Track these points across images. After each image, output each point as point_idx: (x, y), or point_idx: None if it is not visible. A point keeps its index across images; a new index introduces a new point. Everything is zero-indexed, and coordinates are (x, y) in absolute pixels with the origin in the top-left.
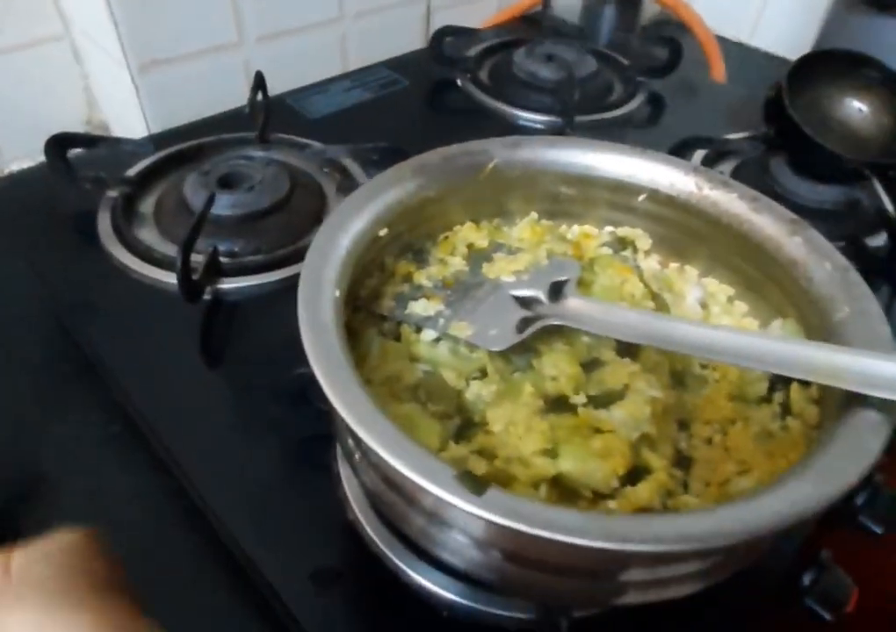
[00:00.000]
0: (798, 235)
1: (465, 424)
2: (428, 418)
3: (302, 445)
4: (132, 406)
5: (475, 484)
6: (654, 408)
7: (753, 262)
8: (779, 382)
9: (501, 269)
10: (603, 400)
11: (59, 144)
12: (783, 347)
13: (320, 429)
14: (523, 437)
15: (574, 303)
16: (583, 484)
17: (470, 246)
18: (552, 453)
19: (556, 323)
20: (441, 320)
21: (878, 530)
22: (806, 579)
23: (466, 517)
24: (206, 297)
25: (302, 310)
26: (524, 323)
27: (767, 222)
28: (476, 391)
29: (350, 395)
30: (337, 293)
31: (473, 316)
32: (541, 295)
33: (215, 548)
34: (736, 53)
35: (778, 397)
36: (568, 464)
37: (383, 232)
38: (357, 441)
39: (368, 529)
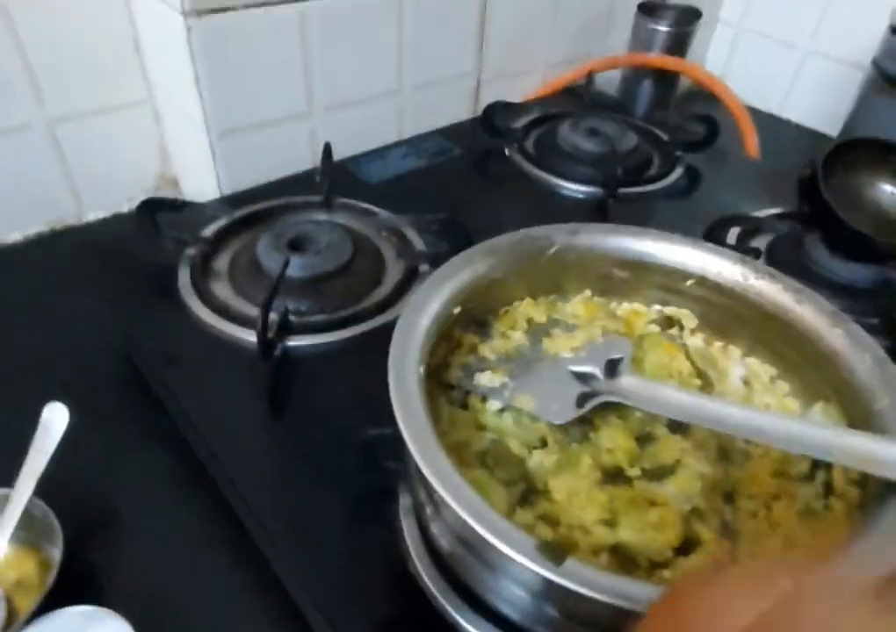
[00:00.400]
0: (840, 327)
1: (528, 490)
2: (495, 484)
3: (364, 500)
4: (203, 451)
5: (555, 555)
6: (704, 482)
7: (795, 347)
8: (821, 462)
9: (559, 346)
10: (656, 473)
11: (150, 207)
12: (824, 433)
13: (382, 485)
14: (585, 507)
15: (628, 381)
16: (640, 553)
17: (529, 320)
18: (610, 522)
19: (613, 400)
20: (506, 392)
21: None
22: None
23: (538, 580)
24: (276, 353)
25: (393, 384)
26: (583, 398)
27: (809, 313)
28: (538, 460)
29: (439, 466)
30: (421, 369)
31: (535, 389)
32: (597, 371)
33: (275, 594)
34: (767, 124)
35: (820, 476)
36: (627, 534)
37: (457, 310)
38: (437, 505)
39: (428, 582)
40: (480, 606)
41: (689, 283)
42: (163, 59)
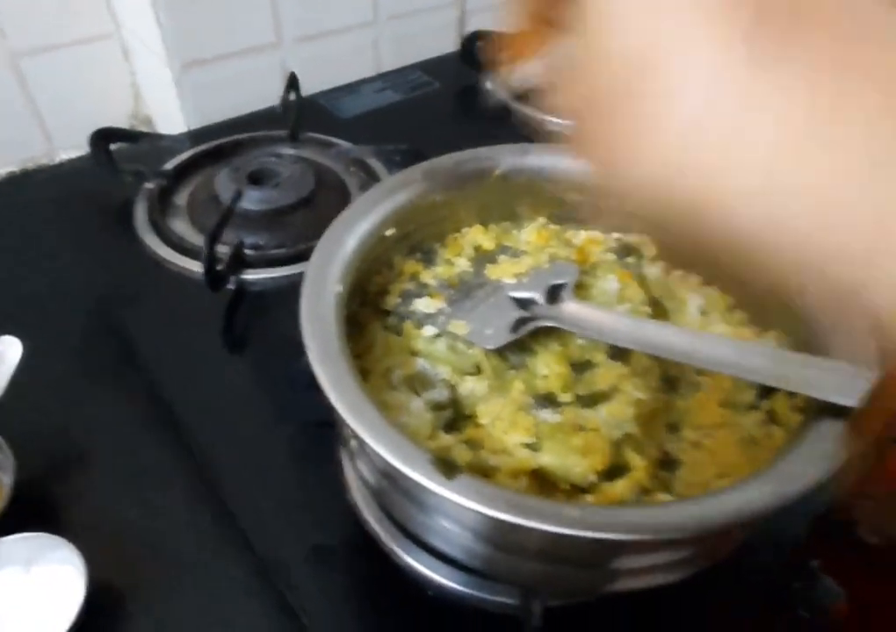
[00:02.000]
0: None
1: (457, 417)
2: (421, 407)
3: (310, 431)
4: (159, 387)
5: (448, 469)
6: (640, 410)
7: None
8: (768, 390)
9: (503, 271)
10: (590, 400)
11: (103, 137)
12: (765, 357)
13: (326, 417)
14: (508, 430)
15: (569, 306)
16: (562, 477)
17: (477, 248)
18: (535, 446)
19: (548, 325)
20: (441, 318)
21: (871, 541)
22: (797, 587)
23: (446, 502)
24: (230, 286)
25: (304, 303)
26: (519, 323)
27: None
28: (470, 387)
29: (342, 385)
30: (339, 288)
31: (471, 315)
32: (539, 297)
33: (227, 522)
34: None
35: (765, 404)
36: (549, 458)
37: (389, 231)
38: (348, 427)
39: (365, 512)
40: (418, 538)
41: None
42: None
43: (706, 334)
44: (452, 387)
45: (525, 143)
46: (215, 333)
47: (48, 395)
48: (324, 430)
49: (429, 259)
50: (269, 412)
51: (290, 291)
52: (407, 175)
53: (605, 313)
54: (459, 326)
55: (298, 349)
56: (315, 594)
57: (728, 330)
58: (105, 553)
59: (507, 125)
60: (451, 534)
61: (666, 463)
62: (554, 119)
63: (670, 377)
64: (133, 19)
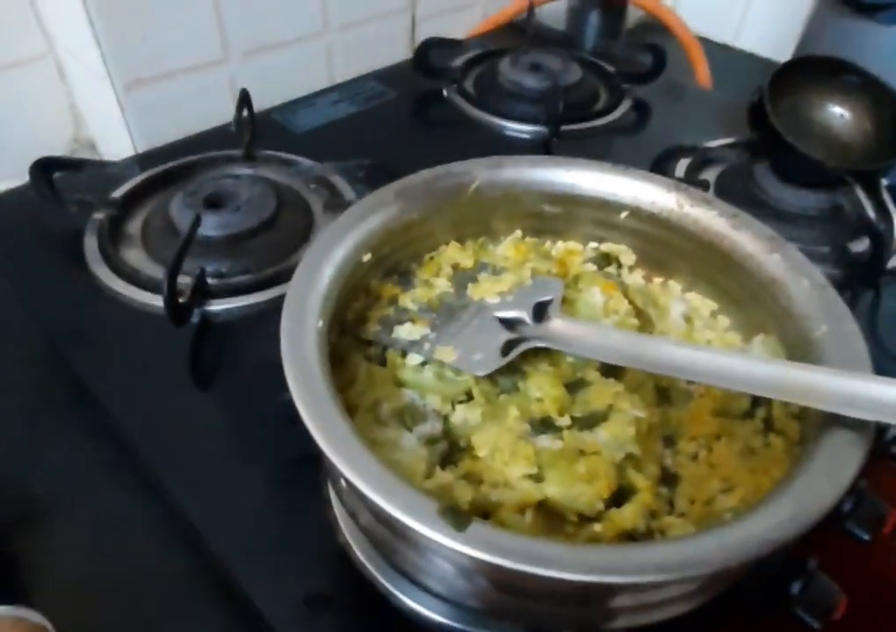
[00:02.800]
0: (777, 252)
1: (451, 449)
2: (414, 443)
3: (292, 468)
4: (121, 431)
5: (458, 520)
6: (639, 428)
7: (735, 278)
8: (762, 398)
9: (485, 291)
10: (588, 422)
11: (43, 168)
12: (761, 368)
13: (308, 451)
14: (509, 462)
15: (557, 324)
16: (569, 508)
17: (455, 266)
18: (537, 477)
19: (539, 345)
20: (426, 345)
21: (866, 536)
22: (794, 588)
23: (455, 553)
24: (195, 319)
25: (285, 343)
26: (509, 346)
27: (747, 239)
28: (462, 416)
29: (332, 431)
30: (321, 323)
31: (457, 339)
32: (525, 316)
33: (208, 572)
34: (721, 55)
35: (761, 412)
36: (554, 489)
37: (366, 257)
38: (346, 479)
39: (358, 552)
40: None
41: (623, 215)
42: (58, 6)
43: (702, 348)
44: (444, 418)
45: (498, 156)
46: (180, 370)
47: (7, 444)
48: (306, 466)
49: (406, 281)
50: (245, 449)
51: (258, 321)
52: (379, 196)
53: (595, 329)
54: (447, 353)
55: (271, 382)
56: None
57: (714, 336)
58: (79, 617)
59: (466, 132)
60: (453, 578)
61: (665, 479)
62: (513, 125)
63: (661, 388)
64: (67, 36)
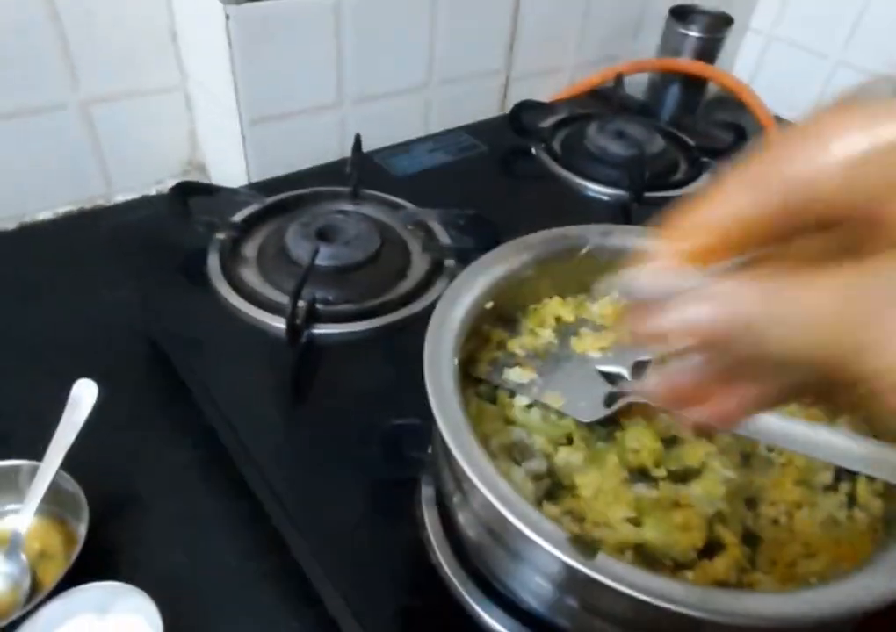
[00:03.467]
0: None
1: (553, 486)
2: (522, 476)
3: (385, 488)
4: (227, 436)
5: (586, 549)
6: (728, 487)
7: None
8: (845, 473)
9: (588, 345)
10: (681, 476)
11: (182, 191)
12: (849, 443)
13: (404, 475)
14: (612, 504)
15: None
16: (664, 553)
17: (558, 319)
18: (636, 521)
19: (642, 401)
20: (535, 388)
21: None
22: None
23: (566, 573)
24: (302, 340)
25: (428, 375)
26: (611, 398)
27: None
28: (564, 457)
29: (472, 456)
30: (455, 361)
31: (563, 387)
32: (625, 372)
33: (296, 578)
34: None
35: (844, 487)
36: (652, 534)
37: (489, 305)
38: (466, 494)
39: (449, 572)
40: (499, 598)
41: None
42: (199, 46)
43: (796, 421)
44: (548, 456)
45: (607, 224)
46: (283, 385)
47: (115, 441)
48: (401, 489)
49: (512, 328)
50: (338, 465)
51: (356, 347)
52: (503, 250)
53: None
54: (554, 398)
55: (371, 405)
56: None
57: (796, 410)
58: (172, 603)
59: (550, 189)
60: (547, 592)
61: (746, 539)
62: (595, 187)
63: (744, 452)
64: (203, 73)
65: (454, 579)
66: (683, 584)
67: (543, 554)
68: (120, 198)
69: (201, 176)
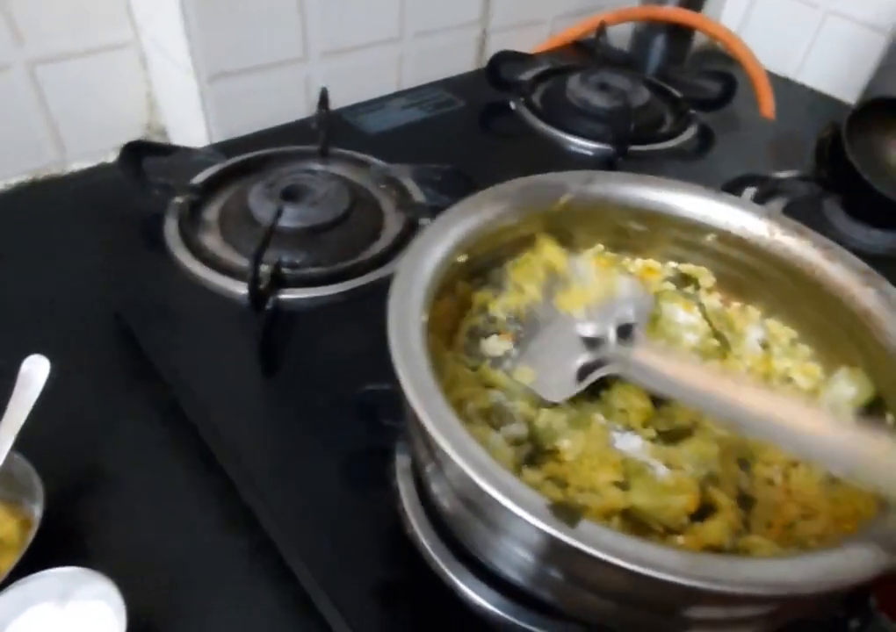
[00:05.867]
0: (873, 287)
1: (535, 451)
2: (501, 443)
3: (359, 458)
4: (187, 408)
5: (568, 516)
6: (721, 446)
7: (821, 308)
8: None
9: (573, 301)
10: (673, 436)
11: (135, 151)
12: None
13: (378, 444)
14: (596, 468)
15: (639, 350)
16: (654, 518)
17: (549, 268)
18: (623, 485)
19: (615, 373)
20: (507, 362)
21: None
22: (854, 625)
23: (547, 542)
24: (268, 306)
25: (393, 335)
26: (585, 370)
27: (840, 271)
28: (546, 420)
29: (443, 421)
30: (424, 318)
31: (538, 358)
32: (609, 334)
33: (271, 554)
34: (781, 87)
35: None
36: (641, 499)
37: (462, 258)
38: (439, 462)
39: (426, 544)
40: (480, 569)
41: (709, 237)
42: None
43: (784, 399)
44: (529, 420)
45: (590, 171)
46: (250, 354)
47: (73, 416)
48: (375, 458)
49: (495, 284)
50: (311, 437)
51: (327, 312)
52: (476, 200)
53: (675, 364)
54: (526, 375)
55: (344, 373)
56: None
57: (793, 365)
58: (140, 584)
59: (530, 145)
60: (529, 565)
61: (741, 501)
62: (578, 141)
63: None
64: (155, 28)
65: (431, 551)
66: (675, 551)
67: (521, 523)
68: (76, 166)
69: (162, 140)
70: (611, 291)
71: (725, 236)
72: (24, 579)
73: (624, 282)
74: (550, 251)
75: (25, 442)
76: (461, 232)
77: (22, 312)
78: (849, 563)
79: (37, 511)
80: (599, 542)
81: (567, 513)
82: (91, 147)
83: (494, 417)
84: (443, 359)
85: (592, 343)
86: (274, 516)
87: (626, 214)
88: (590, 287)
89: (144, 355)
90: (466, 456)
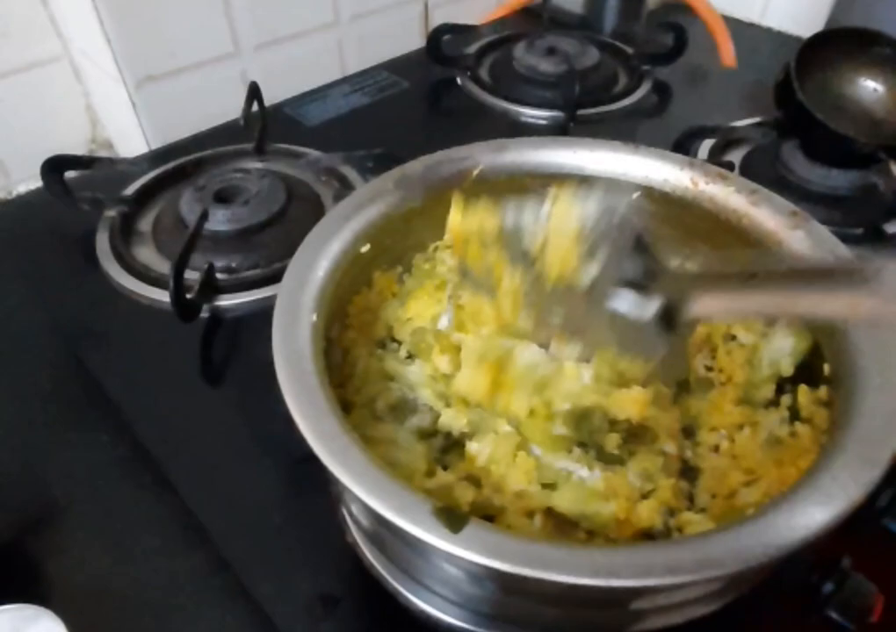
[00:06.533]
0: (800, 228)
1: (448, 444)
2: (410, 438)
3: (301, 466)
4: (133, 429)
5: (453, 520)
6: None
7: (756, 259)
8: (787, 384)
9: (562, 258)
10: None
11: (54, 166)
12: None
13: None
14: (507, 475)
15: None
16: (582, 521)
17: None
18: (549, 485)
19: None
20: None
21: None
22: (827, 588)
23: (453, 556)
24: (204, 315)
25: (277, 338)
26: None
27: (767, 215)
28: (448, 422)
29: (323, 430)
30: (314, 318)
31: (592, 332)
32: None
33: (221, 571)
34: (748, 34)
35: (786, 400)
36: (564, 504)
37: (365, 248)
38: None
39: (366, 552)
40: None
41: (633, 196)
42: (69, 5)
43: None
44: (436, 414)
45: (500, 139)
46: (191, 367)
47: (11, 444)
48: (316, 465)
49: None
50: (255, 447)
51: (268, 315)
52: (377, 185)
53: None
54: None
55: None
56: None
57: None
58: (92, 617)
59: (481, 120)
60: (459, 582)
61: (685, 472)
62: (530, 111)
63: (684, 380)
64: (80, 37)
65: (371, 559)
66: (569, 548)
67: (406, 533)
68: (23, 189)
69: (109, 153)
70: (583, 222)
71: (649, 192)
72: None
73: (587, 201)
74: (484, 213)
75: None
76: (361, 222)
77: None
78: (760, 537)
79: None
80: (483, 546)
81: (451, 517)
82: (36, 168)
83: (399, 411)
84: (354, 356)
85: (631, 285)
86: (219, 530)
87: (543, 180)
88: (559, 234)
89: (87, 376)
90: (344, 464)
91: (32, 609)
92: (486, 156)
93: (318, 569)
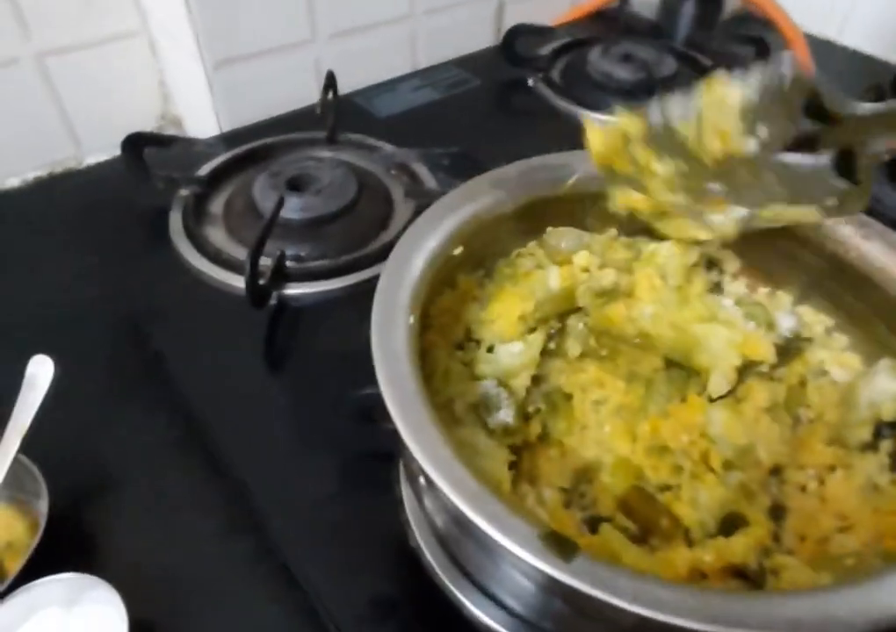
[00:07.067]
0: None
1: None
2: (489, 442)
3: (363, 462)
4: (191, 408)
5: (562, 548)
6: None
7: (858, 293)
8: (886, 428)
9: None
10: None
11: (135, 143)
12: None
13: (382, 447)
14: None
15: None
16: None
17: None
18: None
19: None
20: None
21: None
22: None
23: (539, 575)
24: (272, 302)
25: (376, 338)
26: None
27: (879, 250)
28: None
29: (427, 440)
30: (412, 319)
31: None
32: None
33: (268, 557)
34: (823, 51)
35: (885, 445)
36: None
37: (458, 250)
38: (430, 484)
39: (430, 558)
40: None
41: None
42: None
43: None
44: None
45: None
46: (255, 352)
47: (78, 417)
48: (379, 463)
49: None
50: (315, 438)
51: (332, 307)
52: (472, 186)
53: None
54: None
55: (347, 372)
56: None
57: (829, 356)
58: (144, 590)
59: (551, 123)
60: (537, 599)
61: (771, 511)
62: (598, 115)
63: (770, 409)
64: (162, 14)
65: (435, 565)
66: (679, 588)
67: (511, 556)
68: (92, 160)
69: (178, 131)
70: (745, 97)
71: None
72: (29, 585)
73: (747, 78)
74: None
75: (32, 445)
76: (455, 222)
77: (26, 312)
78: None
79: (42, 516)
80: (594, 578)
81: (561, 544)
82: (107, 140)
83: (482, 408)
84: (435, 357)
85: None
86: (274, 521)
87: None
88: (719, 112)
89: (150, 355)
90: (452, 481)
91: (89, 579)
92: (583, 165)
93: (374, 569)
